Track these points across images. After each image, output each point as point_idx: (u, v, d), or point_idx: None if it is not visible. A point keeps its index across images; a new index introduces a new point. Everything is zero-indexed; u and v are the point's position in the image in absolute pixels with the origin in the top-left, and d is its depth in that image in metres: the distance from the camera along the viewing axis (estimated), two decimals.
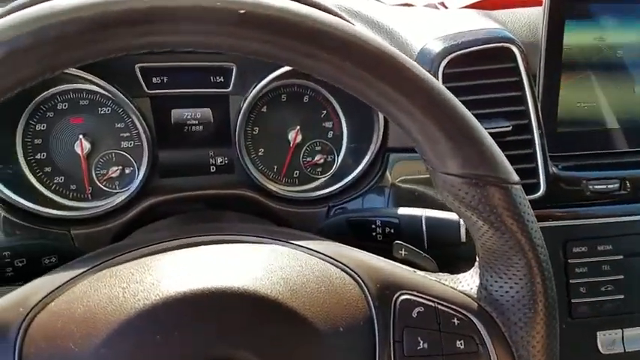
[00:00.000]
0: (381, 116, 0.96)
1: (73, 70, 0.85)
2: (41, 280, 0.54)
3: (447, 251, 0.79)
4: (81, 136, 0.95)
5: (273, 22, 0.43)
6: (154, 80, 0.98)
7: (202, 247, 0.58)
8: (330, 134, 1.09)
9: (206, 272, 0.52)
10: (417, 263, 0.69)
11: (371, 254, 0.61)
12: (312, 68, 0.49)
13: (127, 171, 1.00)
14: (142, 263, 0.54)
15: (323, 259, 0.56)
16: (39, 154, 0.95)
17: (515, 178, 0.53)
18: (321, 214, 1.01)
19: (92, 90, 0.96)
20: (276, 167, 1.08)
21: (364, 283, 0.54)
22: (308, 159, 1.08)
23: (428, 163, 0.54)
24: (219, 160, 1.05)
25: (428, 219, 0.78)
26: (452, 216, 0.79)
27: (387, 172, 0.99)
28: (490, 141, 0.52)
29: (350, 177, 1.02)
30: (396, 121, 0.53)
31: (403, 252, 0.69)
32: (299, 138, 1.05)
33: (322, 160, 1.08)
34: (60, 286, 0.52)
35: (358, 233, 0.83)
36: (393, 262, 0.60)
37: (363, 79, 0.49)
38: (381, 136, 0.98)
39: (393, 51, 0.48)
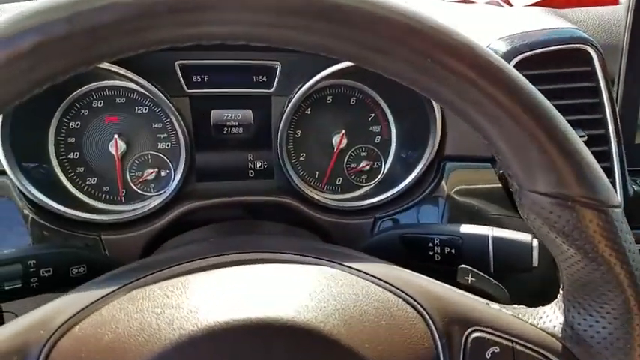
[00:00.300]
0: (438, 120, 0.88)
1: (109, 66, 0.80)
2: (65, 298, 0.48)
3: (514, 277, 0.70)
4: (116, 136, 0.90)
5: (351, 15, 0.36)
6: (194, 79, 0.93)
7: (244, 266, 0.51)
8: (378, 139, 1.01)
9: (250, 299, 0.46)
10: (487, 292, 0.60)
11: (435, 281, 0.53)
12: (384, 67, 0.42)
13: (162, 174, 0.95)
14: (178, 284, 0.48)
15: (382, 286, 0.50)
16: (72, 154, 0.91)
17: (617, 200, 0.44)
18: (367, 226, 0.93)
19: (129, 87, 0.91)
20: (317, 173, 1.01)
21: (430, 316, 0.48)
22: (352, 165, 1.01)
23: (513, 178, 0.46)
24: (258, 164, 0.99)
25: (496, 239, 0.69)
26: (523, 237, 0.70)
27: (443, 182, 0.91)
28: (589, 155, 0.44)
29: (400, 186, 0.94)
30: (475, 125, 0.45)
31: (470, 278, 0.61)
32: (344, 143, 0.98)
33: (368, 167, 1.01)
34: (86, 307, 0.46)
35: (413, 252, 0.74)
36: (463, 292, 0.52)
37: (435, 73, 0.41)
38: (437, 143, 0.89)
39: (472, 42, 0.40)
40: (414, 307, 0.48)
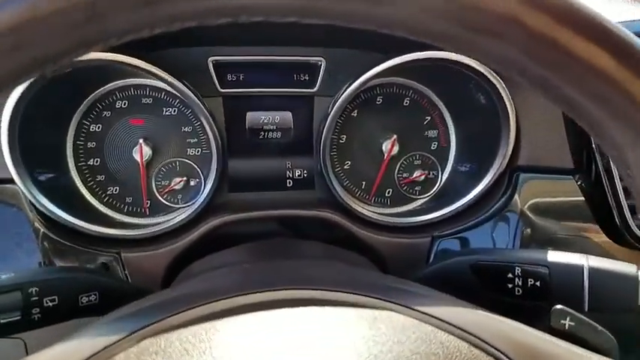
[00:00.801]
0: (512, 125, 0.75)
1: (135, 61, 0.70)
2: (66, 346, 0.38)
3: (612, 317, 0.56)
4: (141, 141, 0.81)
5: None
6: (229, 77, 0.83)
7: (289, 310, 0.40)
8: (434, 145, 0.89)
9: (293, 356, 0.34)
10: (590, 341, 0.47)
11: (531, 330, 0.41)
12: None
13: (191, 183, 0.85)
14: (201, 334, 0.37)
15: (466, 339, 0.40)
16: (92, 160, 0.82)
17: None
18: (424, 246, 0.81)
19: (157, 87, 0.81)
20: (364, 184, 0.89)
21: None
22: (405, 175, 0.88)
23: None
24: (297, 172, 0.88)
25: (592, 271, 0.56)
26: (625, 268, 0.56)
27: (516, 196, 0.77)
28: None
29: (462, 201, 0.81)
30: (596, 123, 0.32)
31: (568, 322, 0.48)
32: (395, 149, 0.86)
33: (422, 177, 0.88)
34: (91, 356, 0.36)
35: (487, 284, 0.61)
36: (567, 345, 0.40)
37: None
38: (509, 151, 0.76)
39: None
40: None
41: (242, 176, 0.86)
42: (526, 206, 0.78)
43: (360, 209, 0.83)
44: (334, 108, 0.78)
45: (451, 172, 0.89)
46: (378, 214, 0.84)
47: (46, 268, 0.69)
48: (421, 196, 0.89)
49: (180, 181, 0.84)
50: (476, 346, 0.38)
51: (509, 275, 0.59)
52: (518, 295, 0.59)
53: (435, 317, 0.40)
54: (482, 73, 0.72)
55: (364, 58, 0.79)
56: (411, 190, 0.89)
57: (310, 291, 0.43)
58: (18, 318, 0.51)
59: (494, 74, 0.72)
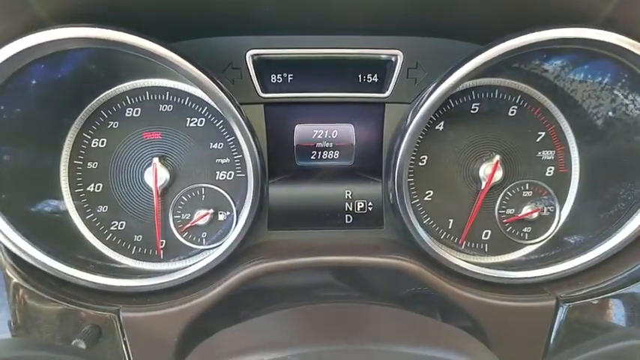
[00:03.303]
0: None
1: (155, 47, 0.51)
2: None
3: None
4: (155, 160, 0.63)
5: None
6: (273, 79, 0.66)
7: None
8: (550, 171, 0.68)
9: None
10: None
11: None
12: None
13: (220, 217, 0.66)
14: None
15: None
16: (92, 185, 0.64)
17: None
18: (546, 312, 0.57)
19: (179, 89, 0.64)
20: (452, 222, 0.69)
21: None
22: (509, 211, 0.67)
23: None
24: (359, 205, 0.69)
25: None
26: None
27: None
28: None
29: (596, 250, 0.58)
30: None
31: None
32: (498, 176, 0.65)
33: (535, 215, 0.65)
34: None
35: None
36: None
37: None
38: None
39: None
40: None
41: (286, 209, 0.68)
42: None
43: (447, 257, 0.62)
44: (415, 119, 0.59)
45: (574, 208, 0.66)
46: (473, 263, 0.63)
47: (3, 341, 0.48)
48: (532, 241, 0.67)
49: (206, 215, 0.65)
50: None
51: None
52: None
53: None
54: None
55: (454, 51, 0.60)
56: (517, 233, 0.67)
57: None
58: None
59: None
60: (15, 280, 0.53)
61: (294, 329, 0.46)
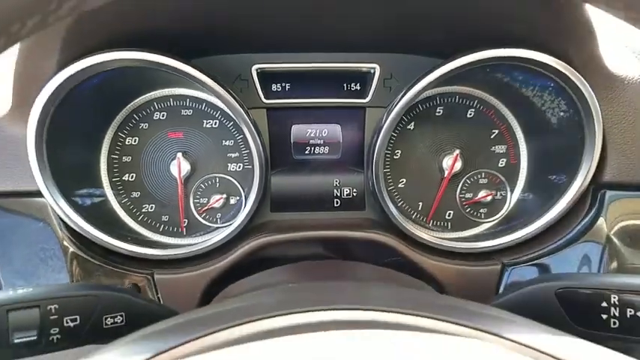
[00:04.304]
0: (598, 136, 0.64)
1: (179, 65, 0.64)
2: None
3: None
4: (179, 155, 0.75)
5: None
6: (274, 88, 0.77)
7: (339, 333, 0.31)
8: (502, 162, 0.79)
9: None
10: None
11: None
12: None
13: (232, 201, 0.78)
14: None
15: None
16: (127, 175, 0.77)
17: None
18: (492, 275, 0.70)
19: (198, 97, 0.76)
20: (421, 204, 0.80)
21: None
22: (468, 195, 0.79)
23: None
24: (345, 191, 0.80)
25: None
26: None
27: (602, 219, 0.66)
28: None
29: (537, 223, 0.71)
30: None
31: None
32: (458, 166, 0.77)
33: (489, 198, 0.78)
34: None
35: (576, 314, 0.50)
36: None
37: None
38: (594, 165, 0.65)
39: None
40: None
41: (285, 194, 0.80)
42: (613, 230, 0.66)
43: (416, 232, 0.73)
44: (388, 120, 0.70)
45: (522, 192, 0.78)
46: (438, 237, 0.74)
47: (68, 284, 0.62)
48: (487, 220, 0.79)
49: (220, 199, 0.77)
50: None
51: (604, 304, 0.49)
52: (615, 327, 0.48)
53: (530, 346, 0.31)
54: (562, 72, 0.63)
55: (422, 64, 0.72)
56: (475, 213, 0.79)
57: (383, 313, 0.34)
58: (34, 338, 0.44)
59: (578, 74, 0.63)
60: (72, 249, 0.65)
61: (291, 274, 0.60)
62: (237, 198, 0.78)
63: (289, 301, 0.37)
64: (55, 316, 0.46)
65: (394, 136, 0.78)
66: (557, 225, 0.70)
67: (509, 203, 0.78)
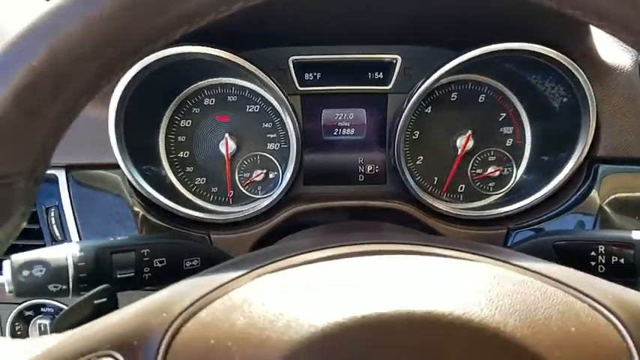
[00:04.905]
0: (592, 114, 0.74)
1: (234, 57, 0.75)
2: (187, 282, 0.42)
3: None
4: (227, 135, 0.87)
5: None
6: (307, 76, 0.88)
7: (391, 257, 0.42)
8: (509, 142, 0.89)
9: (407, 291, 0.37)
10: None
11: (624, 287, 0.41)
12: None
13: (270, 175, 0.90)
14: (316, 272, 0.40)
15: (561, 289, 0.40)
16: (182, 153, 0.88)
17: None
18: (499, 238, 0.81)
19: (241, 85, 0.88)
20: (437, 179, 0.90)
21: (625, 327, 0.38)
22: (478, 171, 0.89)
23: None
24: (369, 168, 0.91)
25: None
26: None
27: (594, 191, 0.76)
28: None
29: (537, 194, 0.81)
30: None
31: None
32: (469, 145, 0.87)
33: (497, 173, 0.89)
34: (212, 290, 0.39)
35: (571, 262, 0.61)
36: None
37: None
38: (589, 142, 0.76)
39: None
40: (603, 314, 0.37)
41: (316, 170, 0.90)
42: (605, 202, 0.77)
43: (432, 202, 0.84)
44: (409, 105, 0.81)
45: (526, 168, 0.89)
46: (451, 207, 0.85)
47: (155, 235, 0.75)
48: (495, 192, 0.89)
49: (260, 174, 0.89)
50: (572, 295, 0.39)
51: (593, 253, 0.59)
52: (602, 272, 0.59)
53: (529, 269, 0.42)
54: (562, 63, 0.73)
55: (438, 55, 0.82)
56: (484, 186, 0.89)
57: (411, 245, 0.45)
58: (132, 274, 0.57)
59: (574, 64, 0.73)
60: (141, 213, 0.77)
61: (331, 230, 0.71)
62: (275, 173, 0.89)
63: (340, 239, 0.48)
64: (147, 259, 0.58)
65: (413, 119, 0.88)
66: (556, 195, 0.80)
67: (515, 178, 0.89)
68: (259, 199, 0.89)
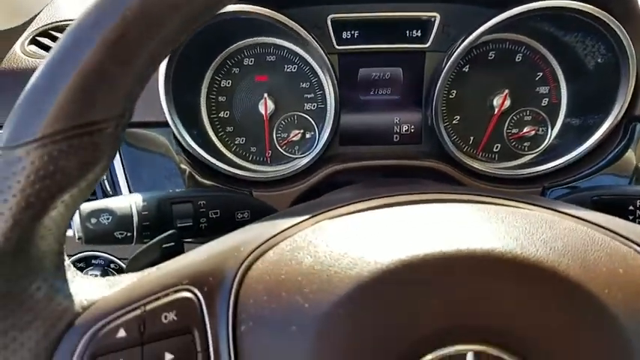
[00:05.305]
0: (632, 73, 0.75)
1: (277, 15, 0.76)
2: (254, 226, 0.45)
3: None
4: (266, 95, 0.88)
5: None
6: (344, 35, 0.88)
7: (442, 205, 0.45)
8: (545, 102, 0.89)
9: (465, 232, 0.39)
10: None
11: None
12: None
13: (307, 135, 0.92)
14: (374, 217, 0.43)
15: (607, 235, 0.42)
16: (222, 113, 0.90)
17: None
18: (535, 194, 0.82)
19: (280, 45, 0.88)
20: (472, 139, 0.91)
21: None
22: (514, 131, 0.90)
23: None
24: (404, 128, 0.92)
25: None
26: None
27: (630, 150, 0.77)
28: None
29: (573, 153, 0.82)
30: None
31: None
32: (506, 104, 0.88)
33: (532, 133, 0.89)
34: (279, 232, 0.43)
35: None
36: None
37: None
38: (627, 101, 0.76)
39: None
40: None
41: (352, 130, 0.92)
42: None
43: (468, 161, 0.85)
44: (448, 63, 0.81)
45: (561, 128, 0.89)
46: (487, 166, 0.86)
47: (208, 188, 0.78)
48: (530, 152, 0.90)
49: (298, 134, 0.91)
50: (617, 240, 0.41)
51: (631, 207, 0.61)
52: None
53: (575, 216, 0.44)
54: (603, 21, 0.73)
55: (477, 13, 0.82)
56: (519, 146, 0.91)
57: (459, 194, 0.48)
58: (190, 224, 0.60)
59: (617, 22, 0.73)
60: (188, 170, 0.80)
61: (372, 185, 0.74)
62: (312, 133, 0.91)
63: (393, 191, 0.50)
64: (203, 210, 0.62)
65: (451, 78, 0.88)
66: (592, 154, 0.81)
67: (550, 137, 0.89)
68: (296, 158, 0.91)
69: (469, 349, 0.34)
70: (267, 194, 0.83)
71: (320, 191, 0.85)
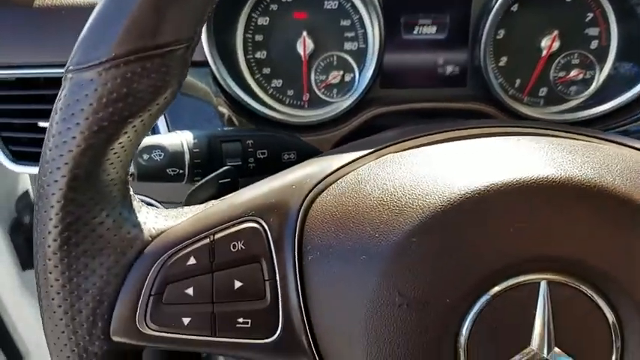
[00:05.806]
0: None
1: None
2: (316, 160, 0.44)
3: None
4: (304, 33, 0.85)
5: None
6: None
7: (504, 137, 0.44)
8: (594, 44, 0.86)
9: (529, 161, 0.39)
10: None
11: None
12: None
13: (346, 78, 0.89)
14: (439, 150, 0.42)
15: None
16: (258, 53, 0.87)
17: None
18: None
19: None
20: (519, 81, 0.88)
21: None
22: (561, 74, 0.87)
23: None
24: (449, 69, 0.89)
25: None
26: None
27: None
28: None
29: (622, 97, 0.80)
30: None
31: None
32: (555, 46, 0.84)
33: (580, 77, 0.86)
34: (341, 167, 0.42)
35: None
36: None
37: None
38: None
39: None
40: None
41: (394, 72, 0.88)
42: None
43: (514, 104, 0.83)
44: (499, 1, 0.78)
45: (610, 72, 0.86)
46: (533, 111, 0.84)
47: (255, 128, 0.77)
48: (576, 97, 0.87)
49: (337, 76, 0.87)
50: None
51: None
52: None
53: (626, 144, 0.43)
54: None
55: None
56: (566, 90, 0.87)
57: (513, 127, 0.47)
58: (239, 163, 0.59)
59: None
60: (227, 113, 0.79)
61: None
62: (352, 75, 0.88)
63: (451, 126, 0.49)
64: (252, 149, 0.61)
65: (499, 18, 0.85)
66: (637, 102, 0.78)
67: (598, 81, 0.86)
68: (335, 102, 0.88)
69: (543, 278, 0.34)
70: (308, 138, 0.81)
71: (360, 135, 0.83)
